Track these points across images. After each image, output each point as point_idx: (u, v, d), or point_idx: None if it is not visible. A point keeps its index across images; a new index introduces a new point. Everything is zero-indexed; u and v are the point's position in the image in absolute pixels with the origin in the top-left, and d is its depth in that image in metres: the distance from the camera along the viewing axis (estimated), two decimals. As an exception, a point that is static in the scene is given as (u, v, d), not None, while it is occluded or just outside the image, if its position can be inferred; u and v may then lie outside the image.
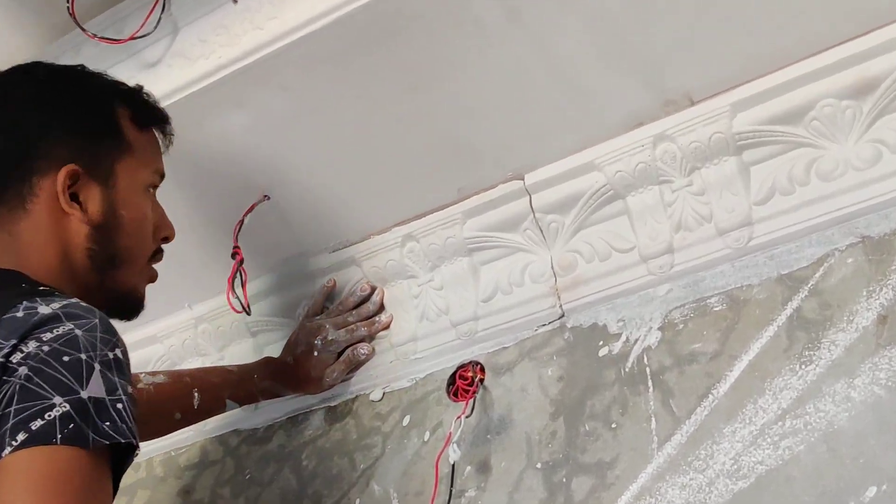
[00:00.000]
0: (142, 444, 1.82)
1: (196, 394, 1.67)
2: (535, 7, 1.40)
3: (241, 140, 1.61)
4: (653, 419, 1.40)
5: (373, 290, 1.75)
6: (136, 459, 1.80)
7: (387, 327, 1.73)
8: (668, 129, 1.48)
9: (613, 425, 1.43)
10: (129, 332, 1.78)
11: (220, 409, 1.70)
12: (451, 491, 1.47)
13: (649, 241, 1.51)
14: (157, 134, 1.43)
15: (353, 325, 1.70)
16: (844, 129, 1.39)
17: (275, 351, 1.84)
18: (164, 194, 1.45)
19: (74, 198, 1.30)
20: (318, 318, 1.74)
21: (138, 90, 1.43)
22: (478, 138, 1.57)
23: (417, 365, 1.69)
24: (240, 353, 1.88)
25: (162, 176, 1.43)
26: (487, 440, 1.53)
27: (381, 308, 1.74)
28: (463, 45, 1.45)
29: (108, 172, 1.34)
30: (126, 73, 1.59)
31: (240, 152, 1.63)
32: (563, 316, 1.57)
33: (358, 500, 1.62)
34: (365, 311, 1.72)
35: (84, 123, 1.34)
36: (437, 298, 1.69)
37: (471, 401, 1.56)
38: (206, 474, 1.85)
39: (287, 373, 1.70)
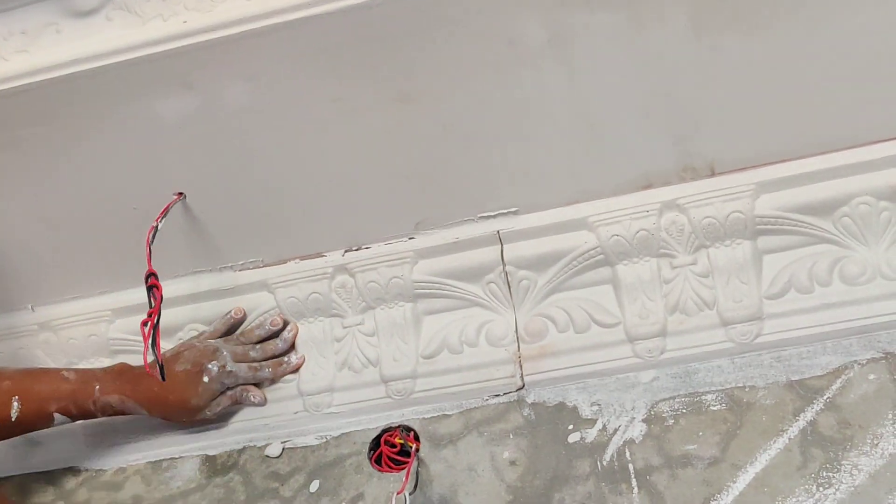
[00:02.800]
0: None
1: (15, 402, 1.35)
2: (583, 41, 1.20)
3: (173, 126, 1.29)
4: (640, 526, 1.21)
5: (285, 324, 1.46)
6: None
7: (296, 371, 1.45)
8: (680, 197, 1.32)
9: (589, 527, 1.23)
10: None
11: (46, 423, 1.39)
12: (392, 587, 1.21)
13: (638, 319, 1.33)
14: None
15: (256, 364, 1.41)
16: (878, 231, 1.28)
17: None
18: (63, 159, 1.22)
19: None
20: (211, 340, 1.43)
21: None
22: (457, 169, 1.35)
23: (330, 420, 1.43)
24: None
25: None
26: (426, 524, 1.29)
27: (292, 347, 1.45)
28: (485, 60, 1.23)
29: None
30: (45, 17, 1.24)
31: (167, 138, 1.31)
32: (522, 388, 1.36)
33: (248, 580, 1.32)
34: (272, 348, 1.44)
35: None
36: (366, 346, 1.43)
37: (412, 475, 1.30)
38: (30, 518, 1.48)
39: (152, 390, 1.39)
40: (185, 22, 1.22)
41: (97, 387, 1.40)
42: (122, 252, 1.44)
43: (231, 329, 1.45)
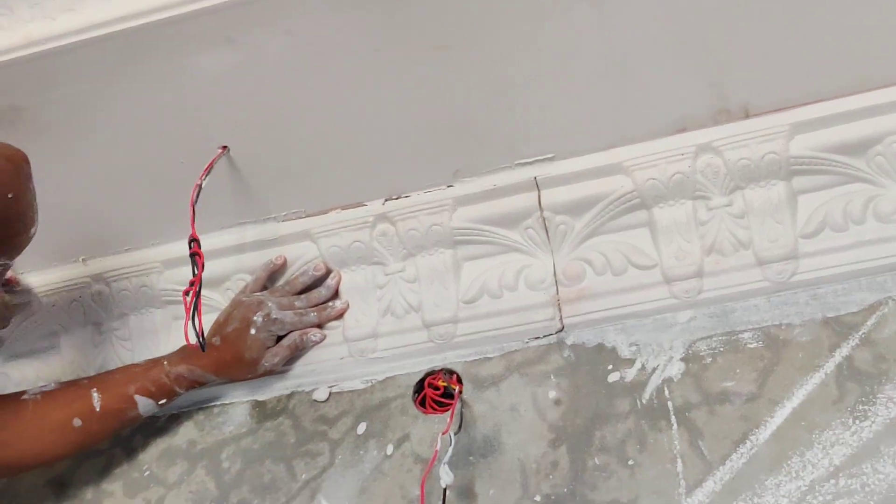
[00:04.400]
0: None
1: (95, 393, 1.40)
2: (616, -18, 1.21)
3: (216, 80, 1.32)
4: (679, 461, 1.25)
5: (328, 272, 1.49)
6: None
7: (340, 316, 1.49)
8: (715, 139, 1.33)
9: (630, 462, 1.27)
10: None
11: (131, 408, 1.43)
12: (441, 522, 1.25)
13: (675, 260, 1.36)
14: None
15: (300, 309, 1.44)
16: (912, 169, 1.28)
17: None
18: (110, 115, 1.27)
19: None
20: (256, 294, 1.46)
21: None
22: (493, 116, 1.37)
23: (375, 365, 1.47)
24: (140, 323, 1.56)
25: None
26: (470, 462, 1.33)
27: (336, 294, 1.49)
28: (520, 7, 1.24)
29: None
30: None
31: (212, 93, 1.34)
32: (561, 330, 1.39)
33: (302, 517, 1.37)
34: (316, 297, 1.47)
35: None
36: (407, 292, 1.47)
37: (456, 416, 1.34)
38: (87, 465, 1.54)
39: (211, 355, 1.43)
40: (223, -23, 1.24)
41: (165, 362, 1.44)
42: (170, 205, 1.48)
43: (273, 276, 1.49)
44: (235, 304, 1.46)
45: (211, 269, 1.52)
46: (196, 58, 1.30)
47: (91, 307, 1.58)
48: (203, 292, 1.43)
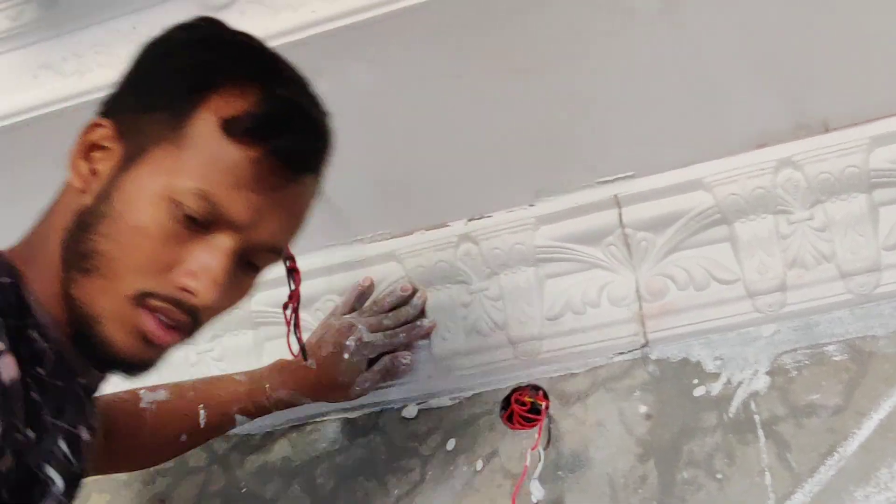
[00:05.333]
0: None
1: (202, 410, 1.44)
2: (694, 5, 1.23)
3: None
4: (767, 473, 1.27)
5: (414, 291, 1.53)
6: None
7: (428, 335, 1.52)
8: (795, 154, 1.35)
9: (719, 476, 1.30)
10: None
11: (229, 425, 1.47)
12: (533, 534, 1.28)
13: (757, 275, 1.37)
14: (249, 153, 1.00)
15: (390, 330, 1.48)
16: None
17: (278, 347, 1.59)
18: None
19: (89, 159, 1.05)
20: (346, 316, 1.51)
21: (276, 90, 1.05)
22: (574, 136, 1.40)
23: (463, 382, 1.51)
24: (235, 344, 1.63)
25: (206, 204, 0.99)
26: (559, 477, 1.37)
27: (422, 314, 1.53)
28: (601, 29, 1.27)
29: (138, 148, 1.02)
30: (183, 13, 1.32)
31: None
32: (645, 345, 1.41)
33: (398, 532, 1.41)
34: (404, 315, 1.51)
35: (152, 81, 1.07)
36: (492, 310, 1.50)
37: (544, 431, 1.37)
38: (187, 483, 1.60)
39: (308, 378, 1.46)
40: (313, 11, 1.29)
41: (267, 385, 1.46)
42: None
43: (361, 298, 1.53)
44: (326, 328, 1.49)
45: (301, 290, 1.56)
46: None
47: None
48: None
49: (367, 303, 1.53)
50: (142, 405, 1.41)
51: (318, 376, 1.45)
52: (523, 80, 1.34)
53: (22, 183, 1.48)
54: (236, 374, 1.50)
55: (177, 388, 1.45)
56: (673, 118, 1.36)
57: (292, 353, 1.29)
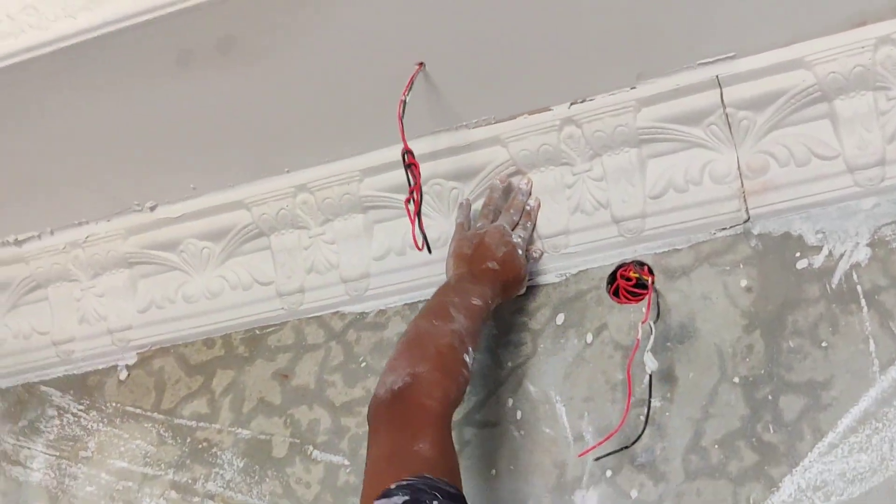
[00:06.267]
0: (214, 317, 1.69)
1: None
2: None
3: (419, 5, 1.42)
4: (871, 341, 1.34)
5: (517, 177, 1.59)
6: (203, 333, 1.76)
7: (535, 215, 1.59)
8: (894, 32, 1.37)
9: (823, 344, 1.37)
10: (208, 194, 1.71)
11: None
12: (649, 403, 1.37)
13: (857, 150, 1.42)
14: None
15: (521, 224, 1.56)
16: None
17: (387, 229, 1.69)
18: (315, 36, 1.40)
19: None
20: (482, 223, 1.57)
21: None
22: (674, 18, 1.43)
23: (568, 259, 1.58)
24: (345, 228, 1.71)
25: None
26: (668, 348, 1.45)
27: (530, 195, 1.60)
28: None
29: None
30: None
31: (409, 9, 1.43)
32: (747, 221, 1.48)
33: (511, 400, 1.52)
34: (519, 204, 1.57)
35: None
36: (595, 190, 1.56)
37: (652, 305, 1.45)
38: (307, 359, 1.71)
39: (498, 280, 1.50)
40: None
41: (473, 300, 1.44)
42: (366, 117, 1.60)
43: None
44: (483, 234, 1.53)
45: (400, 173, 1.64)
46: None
47: (297, 215, 1.72)
48: (400, 196, 1.58)
49: (481, 208, 1.59)
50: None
51: (505, 273, 1.50)
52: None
53: (142, 84, 1.55)
54: (458, 299, 1.43)
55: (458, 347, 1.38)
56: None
57: (417, 246, 1.36)
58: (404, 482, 1.11)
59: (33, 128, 1.65)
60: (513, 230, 1.55)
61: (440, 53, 1.51)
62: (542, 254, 1.60)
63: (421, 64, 1.51)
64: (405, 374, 1.29)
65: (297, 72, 1.54)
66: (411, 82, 1.48)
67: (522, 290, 1.57)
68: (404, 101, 1.46)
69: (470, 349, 1.36)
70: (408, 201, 1.39)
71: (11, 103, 1.60)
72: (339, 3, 1.42)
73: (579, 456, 1.41)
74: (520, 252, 1.53)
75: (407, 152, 1.43)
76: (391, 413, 1.27)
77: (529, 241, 1.59)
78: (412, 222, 1.38)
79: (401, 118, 1.45)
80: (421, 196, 1.39)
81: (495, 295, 1.48)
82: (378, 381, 1.32)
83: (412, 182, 1.41)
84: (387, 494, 1.09)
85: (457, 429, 1.52)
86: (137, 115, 1.63)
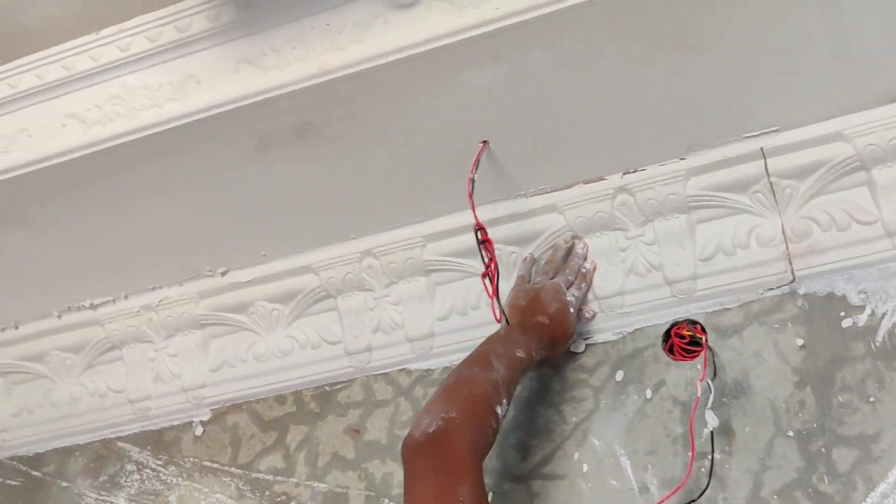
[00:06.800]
0: (284, 375, 1.80)
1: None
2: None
3: (481, 89, 1.55)
4: (917, 395, 1.45)
5: (575, 241, 1.71)
6: (275, 390, 1.87)
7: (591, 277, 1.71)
8: (929, 107, 1.49)
9: (871, 399, 1.48)
10: (277, 260, 1.83)
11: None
12: (712, 458, 1.49)
13: (895, 215, 1.53)
14: None
15: (575, 284, 1.67)
16: None
17: (448, 291, 1.80)
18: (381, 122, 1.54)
19: None
20: (541, 278, 1.68)
21: None
22: (723, 97, 1.55)
23: (624, 319, 1.69)
24: (409, 290, 1.82)
25: None
26: (724, 403, 1.56)
27: (585, 259, 1.71)
28: (752, 6, 1.41)
29: None
30: (372, 10, 1.48)
31: (475, 98, 1.55)
32: (793, 281, 1.59)
33: (577, 454, 1.63)
34: (575, 266, 1.69)
35: None
36: (648, 254, 1.68)
37: (709, 363, 1.56)
38: (377, 414, 1.81)
39: (546, 334, 1.60)
40: (497, 8, 1.44)
41: (518, 352, 1.53)
42: (429, 187, 1.72)
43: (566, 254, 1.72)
44: (536, 289, 1.64)
45: (469, 240, 1.75)
46: (466, 74, 1.51)
47: (363, 279, 1.83)
48: (461, 260, 1.69)
49: (542, 265, 1.71)
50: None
51: (553, 329, 1.61)
52: (681, 55, 1.48)
53: (223, 167, 1.66)
54: (475, 366, 1.51)
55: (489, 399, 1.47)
56: (815, 78, 1.51)
57: (496, 319, 1.47)
58: None
59: (116, 206, 1.76)
60: (567, 289, 1.65)
61: (500, 130, 1.63)
62: (594, 315, 1.70)
63: (485, 142, 1.62)
64: (438, 419, 1.38)
65: (366, 151, 1.65)
66: (478, 160, 1.60)
67: (572, 348, 1.68)
68: (473, 180, 1.57)
69: (504, 400, 1.46)
70: (484, 276, 1.50)
71: (97, 184, 1.70)
72: (408, 92, 1.54)
73: (655, 509, 1.52)
74: (571, 311, 1.64)
75: (480, 229, 1.54)
76: (429, 456, 1.36)
77: (583, 301, 1.69)
78: (491, 297, 1.49)
79: (471, 196, 1.57)
80: (498, 272, 1.49)
81: (540, 347, 1.58)
82: (413, 421, 1.43)
83: (487, 259, 1.51)
84: None
85: (525, 482, 1.64)
86: (215, 193, 1.73)
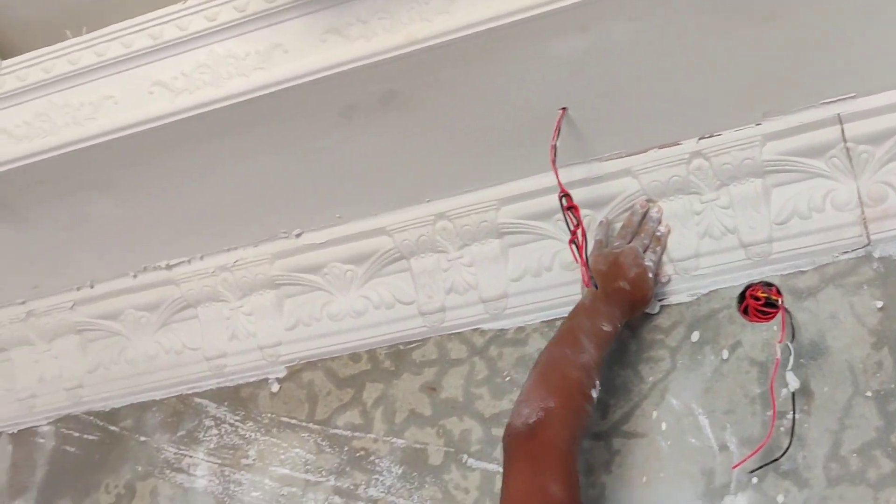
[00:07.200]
0: (359, 334, 1.85)
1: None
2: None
3: (564, 59, 1.57)
4: None
5: (650, 205, 1.74)
6: (349, 349, 1.91)
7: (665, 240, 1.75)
8: None
9: (950, 360, 1.52)
10: (352, 222, 1.87)
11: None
12: (794, 419, 1.53)
13: (973, 178, 1.56)
14: None
15: (651, 247, 1.71)
16: None
17: (523, 252, 1.85)
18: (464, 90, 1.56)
19: None
20: (619, 242, 1.72)
21: None
22: (802, 64, 1.57)
23: (698, 281, 1.73)
24: (482, 252, 1.86)
25: None
26: (801, 364, 1.60)
27: (659, 223, 1.75)
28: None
29: None
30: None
31: (558, 65, 1.57)
32: (868, 245, 1.62)
33: (655, 413, 1.67)
34: (650, 230, 1.72)
35: None
36: (723, 217, 1.71)
37: (787, 324, 1.60)
38: (453, 373, 1.86)
39: (626, 300, 1.66)
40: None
41: (603, 325, 1.59)
42: (506, 151, 1.75)
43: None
44: (616, 253, 1.68)
45: (544, 203, 1.80)
46: (550, 43, 1.54)
47: (436, 240, 1.87)
48: (535, 222, 1.73)
49: (618, 228, 1.74)
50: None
51: (633, 293, 1.66)
52: (759, 25, 1.51)
53: (306, 135, 1.69)
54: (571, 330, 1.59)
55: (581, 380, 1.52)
56: (892, 45, 1.52)
57: (585, 283, 1.52)
58: None
59: (198, 172, 1.79)
60: (644, 253, 1.69)
61: (579, 97, 1.66)
62: (669, 278, 1.73)
63: (564, 109, 1.65)
64: (538, 409, 1.44)
65: (446, 118, 1.69)
66: (559, 127, 1.63)
67: (647, 310, 1.72)
68: (555, 147, 1.60)
69: (597, 382, 1.52)
70: (571, 242, 1.54)
71: (181, 151, 1.73)
72: (492, 61, 1.57)
73: (733, 468, 1.57)
74: (650, 275, 1.68)
75: (565, 195, 1.57)
76: (528, 449, 1.42)
77: (658, 264, 1.73)
78: (581, 263, 1.53)
79: (553, 162, 1.60)
80: (586, 238, 1.53)
81: (623, 315, 1.64)
82: (513, 407, 1.48)
83: (573, 225, 1.55)
84: None
85: (605, 440, 1.69)
86: (296, 160, 1.77)
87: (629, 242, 1.69)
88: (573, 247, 1.53)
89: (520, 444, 1.43)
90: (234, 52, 1.63)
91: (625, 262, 1.65)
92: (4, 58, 1.76)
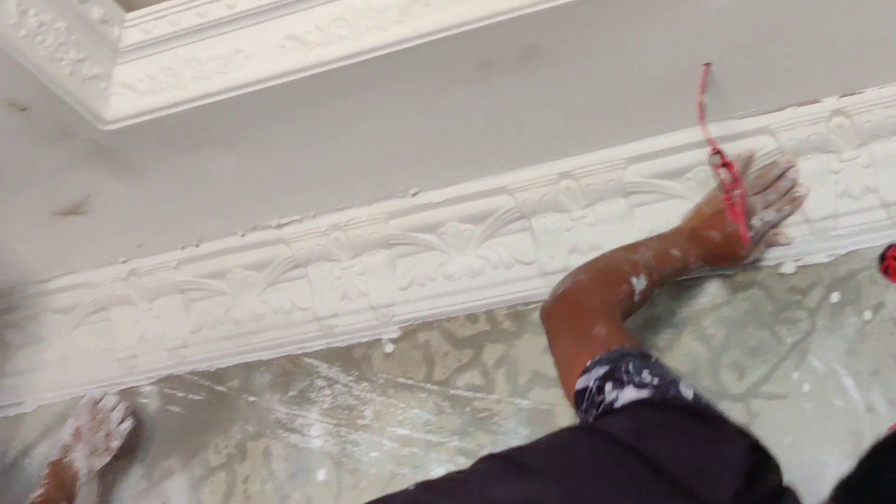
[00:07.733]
0: (476, 294, 1.83)
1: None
2: None
3: (711, 14, 1.54)
4: None
5: (790, 164, 1.71)
6: (466, 309, 1.90)
7: (801, 203, 1.72)
8: None
9: None
10: (473, 181, 1.85)
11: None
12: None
13: None
14: None
15: (778, 204, 1.68)
16: None
17: (647, 213, 1.81)
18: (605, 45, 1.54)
19: None
20: (744, 190, 1.67)
21: None
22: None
23: (836, 241, 1.70)
24: (607, 212, 1.83)
25: None
26: (949, 330, 1.57)
27: (796, 182, 1.72)
28: None
29: None
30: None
31: (703, 24, 1.54)
32: None
33: (796, 374, 1.65)
34: (783, 188, 1.69)
35: None
36: (864, 176, 1.69)
37: (934, 288, 1.58)
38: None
39: (712, 249, 1.66)
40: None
41: (674, 250, 1.64)
42: (638, 109, 1.71)
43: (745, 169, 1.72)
44: (720, 208, 1.66)
45: (674, 162, 1.77)
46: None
47: (560, 200, 1.84)
48: (664, 181, 1.70)
49: (751, 177, 1.71)
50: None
51: (722, 247, 1.65)
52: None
53: (439, 92, 1.68)
54: (637, 242, 1.67)
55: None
56: None
57: (744, 242, 1.49)
58: (596, 358, 1.31)
59: (325, 130, 1.76)
60: (764, 209, 1.67)
61: (721, 54, 1.62)
62: (788, 242, 1.71)
63: (708, 64, 1.61)
64: (567, 282, 1.53)
65: (584, 74, 1.65)
66: (704, 83, 1.59)
67: (736, 266, 1.72)
68: (702, 103, 1.57)
69: (642, 275, 1.54)
70: (728, 199, 1.51)
71: (311, 108, 1.70)
72: (638, 16, 1.53)
73: (890, 429, 1.55)
74: (751, 234, 1.64)
75: (717, 153, 1.54)
76: (561, 313, 1.50)
77: (776, 224, 1.71)
78: (740, 221, 1.51)
79: (702, 118, 1.57)
80: (744, 193, 1.50)
81: (700, 258, 1.65)
82: None
83: (731, 181, 1.52)
84: (587, 370, 1.30)
85: (744, 401, 1.67)
86: (425, 117, 1.74)
87: (755, 194, 1.66)
88: (730, 203, 1.50)
89: (553, 312, 1.52)
90: (373, 5, 1.60)
91: (720, 218, 1.64)
92: (128, 10, 1.72)
